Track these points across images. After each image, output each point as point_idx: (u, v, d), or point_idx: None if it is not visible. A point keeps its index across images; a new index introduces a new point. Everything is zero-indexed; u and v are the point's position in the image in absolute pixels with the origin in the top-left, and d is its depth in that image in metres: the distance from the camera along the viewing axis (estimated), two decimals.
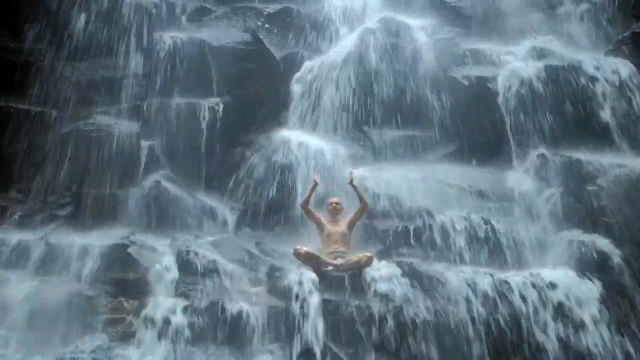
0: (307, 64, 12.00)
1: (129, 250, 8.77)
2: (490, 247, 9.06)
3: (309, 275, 8.19)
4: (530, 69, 11.19)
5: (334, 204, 9.29)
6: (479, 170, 10.54)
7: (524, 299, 7.90)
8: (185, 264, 8.54)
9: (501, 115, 10.98)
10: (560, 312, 7.85)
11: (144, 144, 10.85)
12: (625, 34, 11.63)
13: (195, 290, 8.26)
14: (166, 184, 10.37)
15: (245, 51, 12.17)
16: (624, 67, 10.88)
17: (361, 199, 9.20)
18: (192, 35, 12.38)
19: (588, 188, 9.05)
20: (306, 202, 9.24)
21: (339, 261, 8.54)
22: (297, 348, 7.66)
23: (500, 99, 11.06)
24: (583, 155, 9.66)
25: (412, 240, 9.21)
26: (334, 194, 9.78)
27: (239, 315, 7.88)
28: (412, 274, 8.24)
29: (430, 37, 12.20)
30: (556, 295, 7.90)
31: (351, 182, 9.27)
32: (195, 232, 9.83)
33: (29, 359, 7.43)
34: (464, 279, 8.17)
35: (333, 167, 10.39)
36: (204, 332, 7.82)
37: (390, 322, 7.80)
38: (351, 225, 9.16)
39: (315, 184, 9.27)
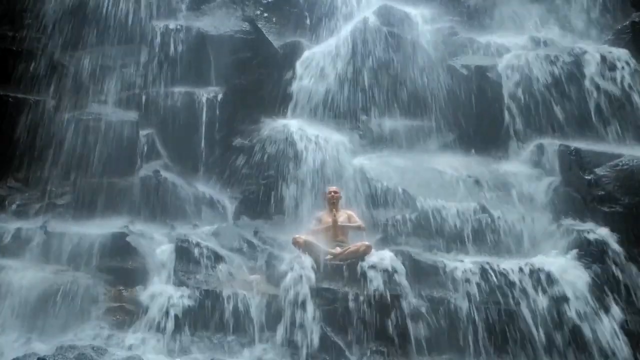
0: (306, 53, 11.95)
1: (128, 239, 8.78)
2: (488, 236, 9.10)
3: (308, 264, 8.20)
4: (530, 58, 11.19)
5: (332, 193, 9.24)
6: (478, 159, 10.56)
7: (521, 287, 7.95)
8: (183, 253, 8.55)
9: (500, 104, 11.00)
10: (559, 300, 7.87)
11: (143, 133, 10.88)
12: (624, 24, 11.61)
13: (193, 279, 8.28)
14: (165, 173, 10.37)
15: (244, 40, 12.11)
16: (623, 56, 10.85)
17: (357, 227, 9.00)
18: (191, 24, 12.34)
19: (586, 177, 9.05)
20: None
21: (337, 250, 8.55)
22: (294, 335, 7.69)
23: (499, 88, 11.07)
24: (581, 144, 9.65)
25: (410, 230, 9.23)
26: (333, 182, 9.81)
27: (238, 303, 7.92)
28: (411, 263, 8.26)
29: (429, 26, 12.18)
30: (554, 284, 7.94)
31: (337, 222, 8.96)
32: (193, 221, 9.85)
33: (28, 347, 7.43)
34: (462, 267, 8.21)
35: (332, 155, 10.39)
36: (203, 320, 7.86)
37: (388, 311, 7.82)
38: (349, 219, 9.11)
39: (325, 227, 8.94)
